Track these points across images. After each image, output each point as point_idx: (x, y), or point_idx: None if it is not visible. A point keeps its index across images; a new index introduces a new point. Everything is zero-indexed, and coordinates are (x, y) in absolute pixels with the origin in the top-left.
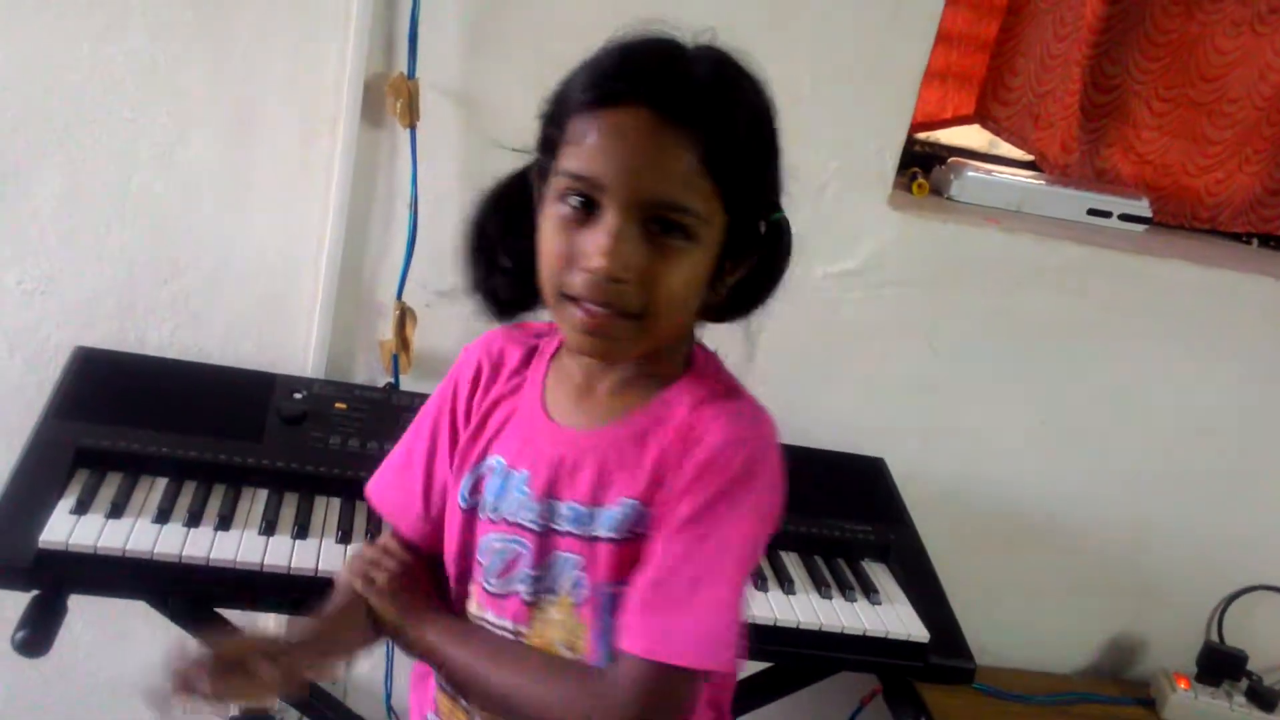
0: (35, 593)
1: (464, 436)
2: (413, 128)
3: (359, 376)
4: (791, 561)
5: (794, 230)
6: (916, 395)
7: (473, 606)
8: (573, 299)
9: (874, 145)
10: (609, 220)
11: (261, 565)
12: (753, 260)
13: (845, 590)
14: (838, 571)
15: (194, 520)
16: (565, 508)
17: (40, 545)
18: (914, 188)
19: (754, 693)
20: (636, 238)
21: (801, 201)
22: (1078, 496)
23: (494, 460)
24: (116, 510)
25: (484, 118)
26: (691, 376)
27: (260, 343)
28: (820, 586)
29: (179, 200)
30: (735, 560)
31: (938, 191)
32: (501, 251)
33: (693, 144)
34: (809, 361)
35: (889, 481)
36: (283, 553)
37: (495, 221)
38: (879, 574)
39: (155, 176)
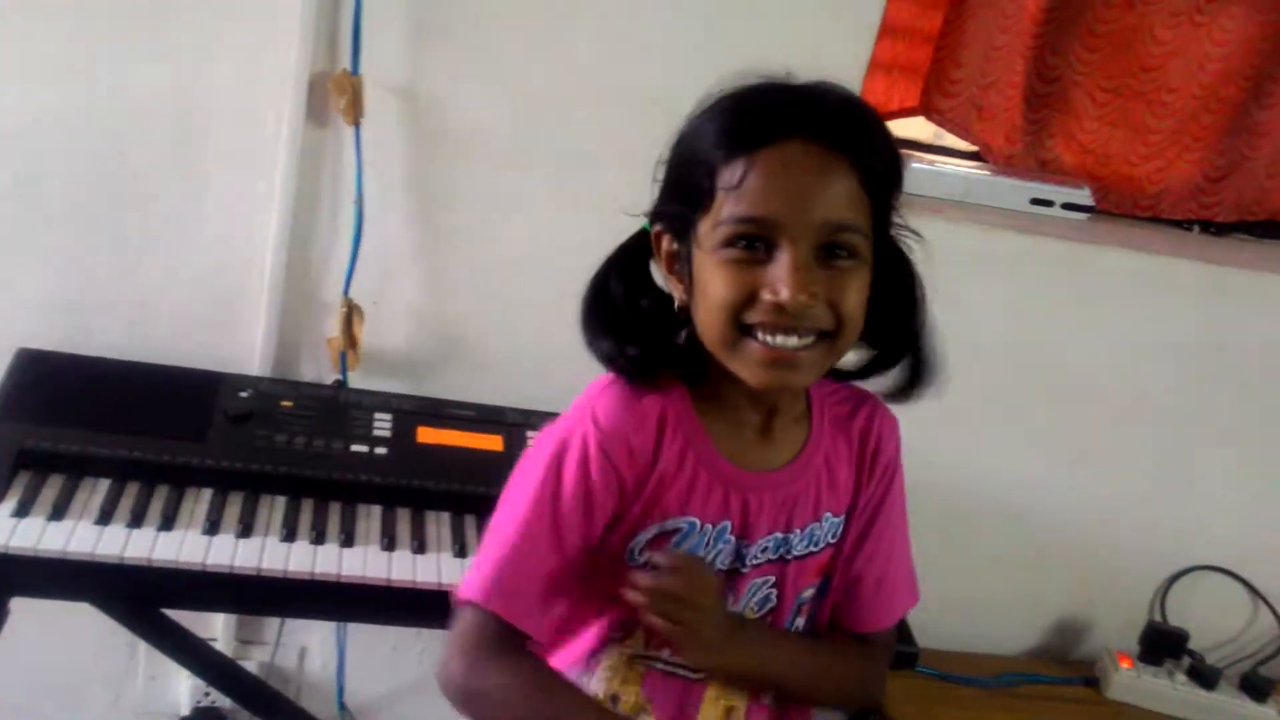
0: None
1: (632, 514)
2: (357, 125)
3: (307, 374)
4: None
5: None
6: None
7: (638, 645)
8: (750, 334)
9: None
10: (789, 252)
11: (204, 564)
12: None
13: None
14: None
15: (136, 521)
16: (769, 541)
17: None
18: None
19: None
20: (814, 265)
21: None
22: (1021, 480)
23: (682, 522)
24: (58, 512)
25: (429, 113)
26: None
27: (207, 342)
28: None
29: (125, 200)
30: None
31: None
32: (635, 314)
33: (850, 166)
34: None
35: None
36: (226, 552)
37: (620, 289)
38: None
39: (100, 176)
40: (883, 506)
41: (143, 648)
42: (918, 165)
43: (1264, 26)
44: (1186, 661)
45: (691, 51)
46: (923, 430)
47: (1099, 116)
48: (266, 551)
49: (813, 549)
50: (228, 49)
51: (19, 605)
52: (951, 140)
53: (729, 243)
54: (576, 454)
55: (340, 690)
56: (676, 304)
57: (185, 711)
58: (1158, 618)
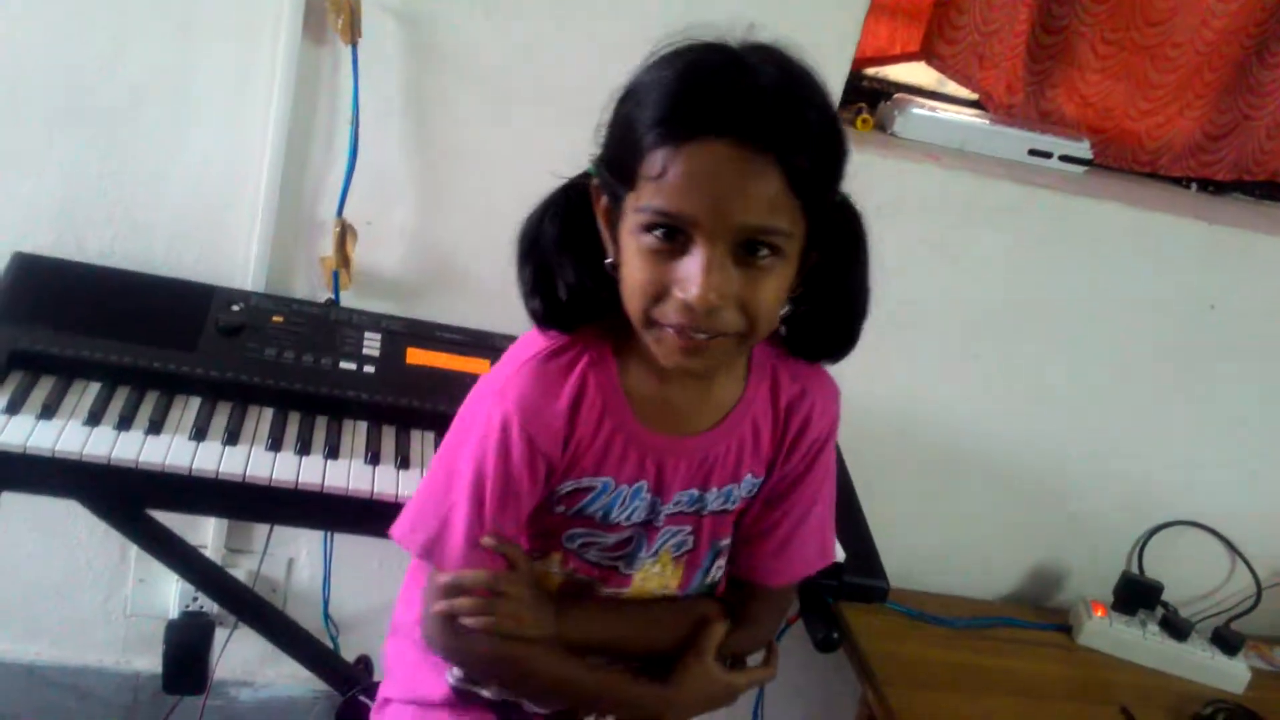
0: None
1: (553, 476)
2: (354, 44)
3: (299, 291)
4: None
5: None
6: None
7: (554, 564)
8: (669, 325)
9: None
10: (701, 253)
11: (190, 469)
12: (824, 246)
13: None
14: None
15: (124, 424)
16: (683, 496)
17: None
18: (858, 123)
19: None
20: (728, 264)
21: None
22: (1006, 430)
23: (597, 482)
24: (48, 411)
25: (428, 34)
26: (757, 349)
27: (202, 254)
28: None
29: (119, 109)
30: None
31: (882, 128)
32: (562, 261)
33: (776, 168)
34: None
35: None
36: (212, 458)
37: (553, 230)
38: None
39: (96, 85)
40: (802, 480)
41: (134, 551)
42: (917, 111)
43: None
44: (1160, 613)
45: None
46: (908, 376)
47: (1102, 69)
48: (252, 459)
49: (729, 506)
50: None
51: (11, 502)
52: (954, 88)
53: (647, 229)
54: (498, 436)
55: (325, 602)
56: (608, 259)
57: (174, 614)
58: (1135, 570)
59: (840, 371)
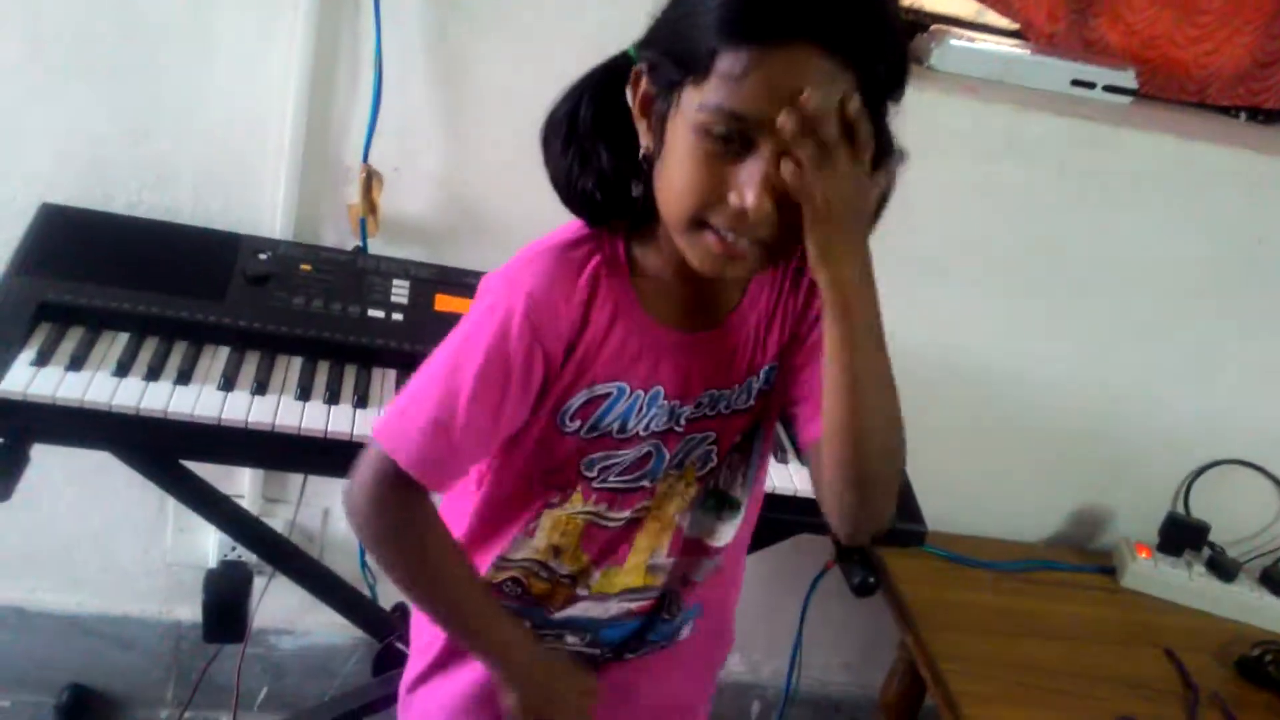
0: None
1: (560, 383)
2: None
3: (327, 239)
4: None
5: None
6: (881, 267)
7: (576, 504)
8: (708, 226)
9: None
10: (763, 159)
11: (219, 419)
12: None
13: (801, 455)
14: (792, 436)
15: (153, 375)
16: (704, 397)
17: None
18: None
19: None
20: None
21: None
22: (1047, 369)
23: (611, 387)
24: (76, 363)
25: None
26: None
27: (228, 203)
28: (776, 450)
29: (142, 57)
30: None
31: (918, 60)
32: (597, 147)
33: (855, 78)
34: None
35: None
36: (241, 407)
37: (589, 112)
38: None
39: (117, 31)
40: (815, 328)
41: (172, 501)
42: (955, 43)
43: None
44: (1206, 553)
45: None
46: (947, 316)
47: None
48: (281, 408)
49: (750, 404)
50: None
51: (50, 455)
52: (994, 18)
53: (709, 129)
54: (498, 325)
55: (361, 551)
56: (641, 150)
57: (212, 564)
58: (1180, 511)
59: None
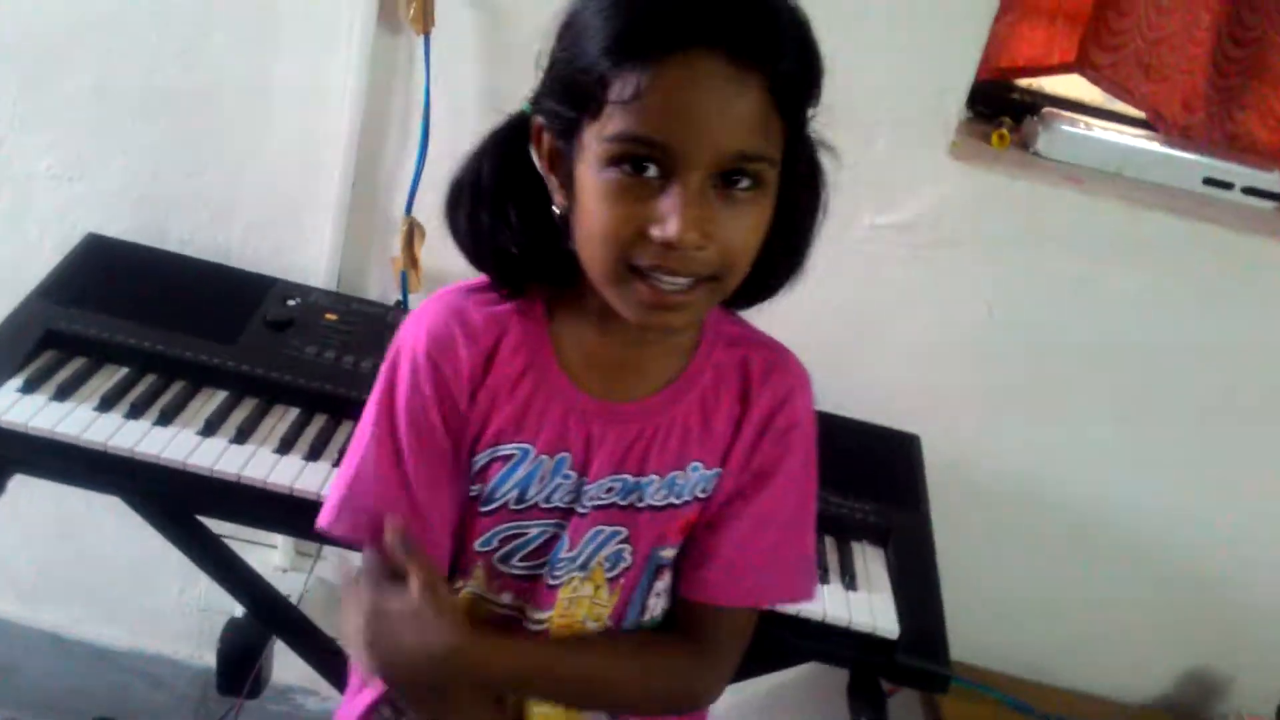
0: None
1: (467, 433)
2: (427, 34)
3: (371, 291)
4: None
5: (837, 175)
6: (970, 371)
7: (479, 585)
8: (637, 274)
9: (935, 87)
10: (683, 183)
11: (184, 464)
12: (794, 187)
13: (820, 572)
14: (819, 551)
15: (135, 412)
16: (614, 481)
17: None
18: (994, 138)
19: None
20: (709, 196)
21: (848, 144)
22: (1158, 504)
23: (514, 449)
24: (63, 393)
25: (502, 25)
26: (711, 315)
27: (279, 248)
28: None
29: (201, 98)
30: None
31: (1024, 146)
32: (505, 210)
33: (760, 82)
34: (846, 319)
35: (915, 462)
36: (210, 455)
37: (491, 177)
38: (869, 559)
39: (178, 73)
40: (772, 476)
41: None
42: (1065, 128)
43: None
44: None
45: None
46: (1039, 433)
47: None
48: (254, 460)
49: (674, 501)
50: None
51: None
52: (1124, 107)
53: (616, 161)
54: (407, 368)
55: None
56: (555, 207)
57: (239, 612)
58: None
59: (956, 422)
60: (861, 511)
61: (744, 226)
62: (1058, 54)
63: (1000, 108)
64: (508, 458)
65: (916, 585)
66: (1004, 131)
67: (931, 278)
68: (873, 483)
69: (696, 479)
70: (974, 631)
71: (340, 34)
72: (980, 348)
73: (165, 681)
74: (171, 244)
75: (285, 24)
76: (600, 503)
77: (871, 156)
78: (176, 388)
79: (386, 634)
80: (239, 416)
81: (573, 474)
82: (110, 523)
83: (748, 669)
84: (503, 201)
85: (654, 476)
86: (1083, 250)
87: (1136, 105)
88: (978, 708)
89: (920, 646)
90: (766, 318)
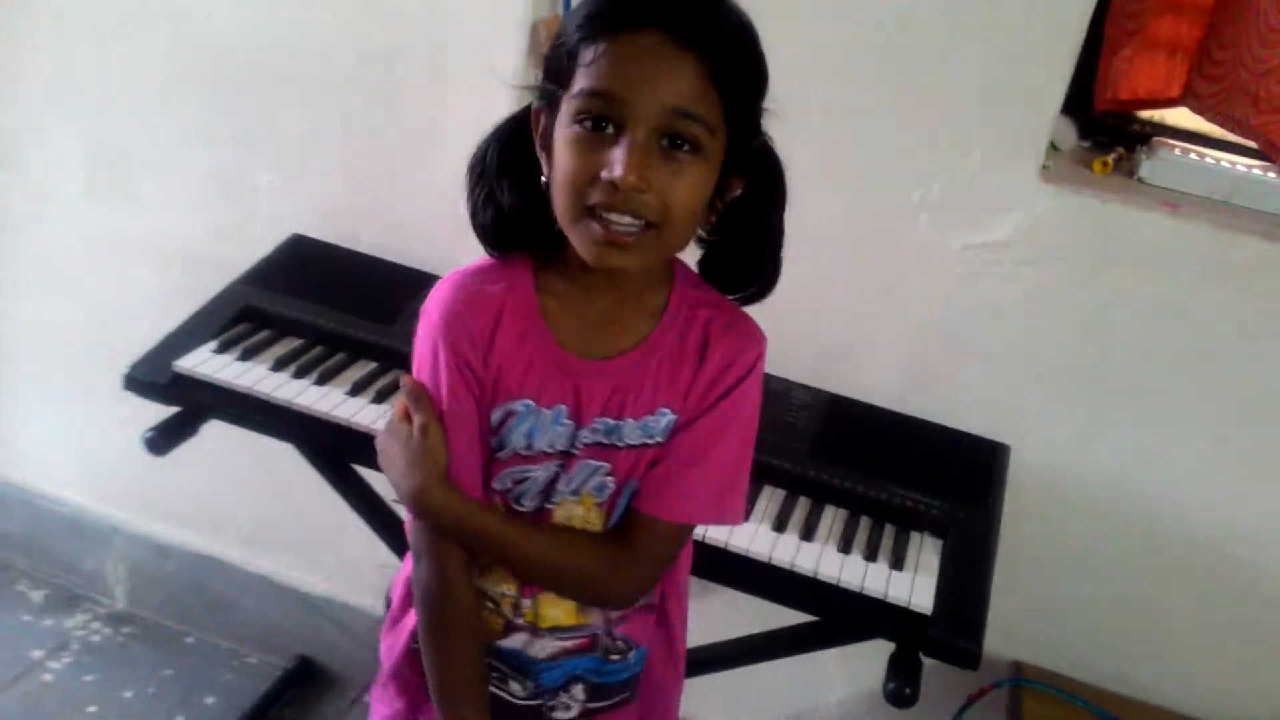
0: (178, 409)
1: (484, 396)
2: None
3: None
4: (832, 516)
5: (932, 196)
6: (1063, 385)
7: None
8: (592, 214)
9: (1024, 115)
10: (629, 135)
11: (328, 415)
12: (746, 178)
13: (871, 551)
14: (876, 535)
15: (300, 374)
16: (599, 424)
17: (175, 368)
18: (1095, 165)
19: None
20: (653, 150)
21: (941, 165)
22: (1254, 529)
23: (519, 405)
24: (246, 355)
25: None
26: (680, 282)
27: (442, 250)
28: (846, 543)
29: (387, 131)
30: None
31: (1130, 173)
32: (501, 184)
33: (701, 61)
34: (940, 333)
35: (996, 467)
36: (351, 409)
37: (496, 157)
38: (924, 548)
39: (369, 107)
40: (707, 414)
41: None
42: (1168, 155)
43: None
44: None
45: (888, 11)
46: (1131, 449)
47: None
48: (384, 417)
49: (647, 440)
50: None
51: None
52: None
53: (578, 118)
54: (432, 342)
55: None
56: (544, 178)
57: None
58: None
59: (1053, 435)
60: (924, 505)
61: (681, 182)
62: (1177, 85)
63: (1120, 138)
64: (516, 413)
65: (966, 574)
66: (1107, 159)
67: (1024, 295)
68: (944, 481)
69: (665, 422)
70: (1064, 641)
71: (502, 74)
72: (1073, 365)
73: (352, 628)
74: (362, 246)
75: (453, 70)
76: (588, 442)
77: (964, 179)
78: (338, 357)
79: (390, 455)
80: (382, 382)
81: (569, 422)
82: (312, 475)
83: (801, 639)
84: (500, 178)
85: (630, 420)
86: (1173, 272)
87: (1247, 136)
88: (1062, 712)
89: (955, 624)
90: (864, 334)
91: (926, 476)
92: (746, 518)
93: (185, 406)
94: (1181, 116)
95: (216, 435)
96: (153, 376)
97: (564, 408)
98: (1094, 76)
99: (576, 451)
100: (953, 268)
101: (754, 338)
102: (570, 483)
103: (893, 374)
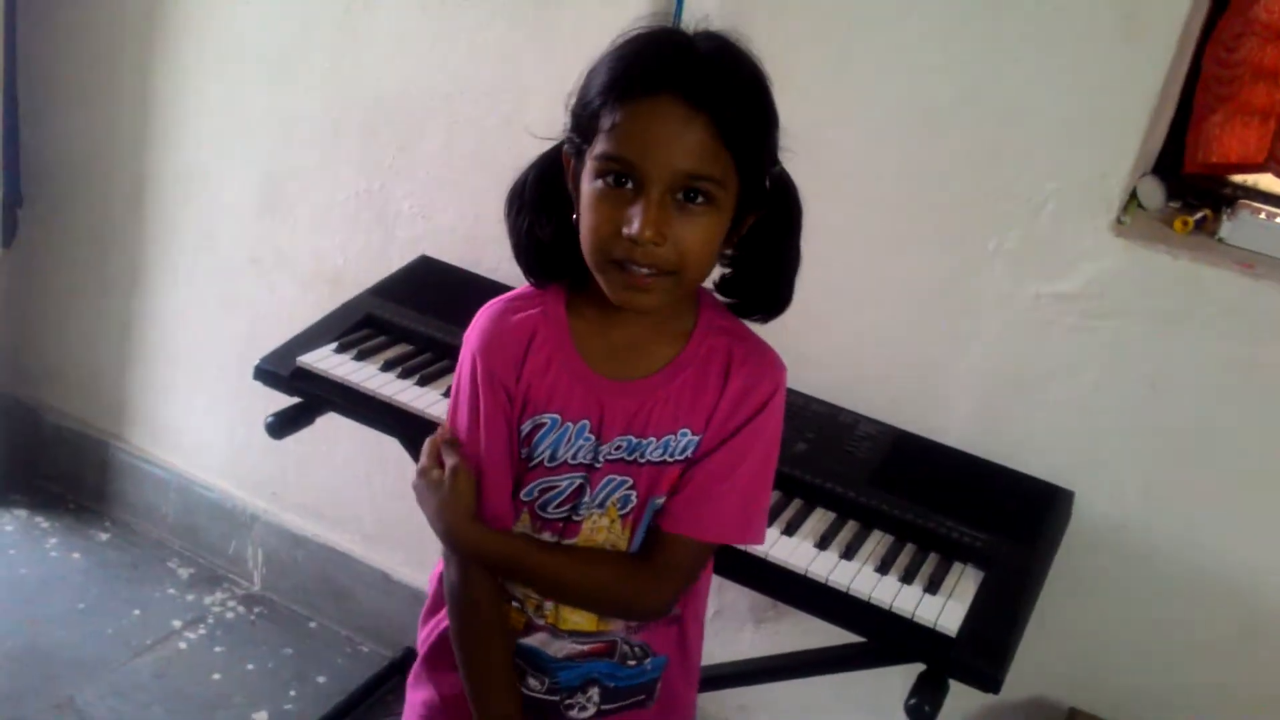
0: (297, 400)
1: (515, 409)
2: None
3: None
4: (876, 540)
5: (1008, 245)
6: (1131, 437)
7: (525, 525)
8: (617, 264)
9: (1098, 168)
10: (645, 195)
11: (423, 411)
12: (762, 210)
13: (909, 575)
14: (918, 561)
15: (405, 375)
16: (621, 441)
17: (297, 362)
18: (1176, 224)
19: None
20: (667, 207)
21: (1015, 217)
22: None
23: (546, 418)
24: (361, 356)
25: None
26: (705, 312)
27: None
28: (885, 565)
29: (512, 163)
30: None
31: (1210, 234)
32: (540, 219)
33: (708, 121)
34: (1010, 378)
35: (1055, 511)
36: (444, 408)
37: (534, 190)
38: (964, 577)
39: (499, 142)
40: (732, 439)
41: None
42: (1248, 216)
43: None
44: None
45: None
46: (1204, 516)
47: None
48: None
49: (668, 459)
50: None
51: None
52: None
53: (601, 175)
54: (471, 365)
55: None
56: (575, 215)
57: None
58: None
59: (1122, 484)
60: (970, 536)
61: (695, 232)
62: (1263, 152)
63: (1209, 201)
64: (543, 425)
65: (1001, 605)
66: (1189, 218)
67: (1094, 347)
68: (996, 516)
69: (685, 442)
70: (1120, 691)
71: None
72: (1141, 418)
73: None
74: (482, 270)
75: None
76: (611, 458)
77: (1038, 232)
78: (442, 363)
79: (423, 495)
80: None
81: (591, 437)
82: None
83: (837, 660)
84: (538, 212)
85: (652, 439)
86: (1246, 331)
87: None
88: None
89: (979, 648)
90: (937, 376)
91: (978, 511)
92: (792, 535)
93: (304, 398)
94: (1276, 183)
95: (347, 437)
96: (278, 369)
97: (587, 423)
98: (1185, 139)
99: (599, 466)
100: (1026, 316)
101: (774, 366)
102: (595, 496)
103: (962, 416)
